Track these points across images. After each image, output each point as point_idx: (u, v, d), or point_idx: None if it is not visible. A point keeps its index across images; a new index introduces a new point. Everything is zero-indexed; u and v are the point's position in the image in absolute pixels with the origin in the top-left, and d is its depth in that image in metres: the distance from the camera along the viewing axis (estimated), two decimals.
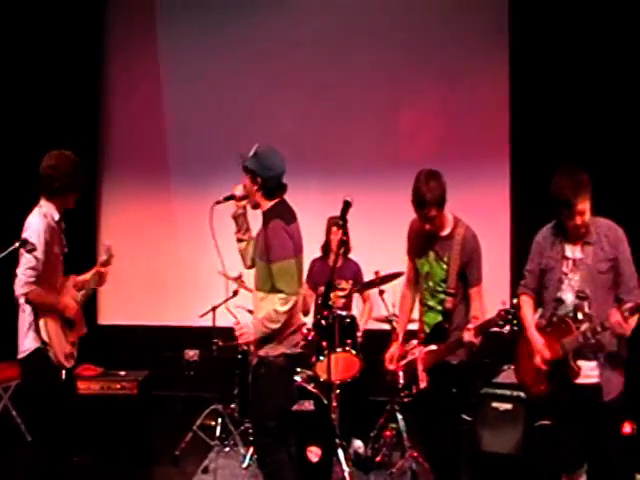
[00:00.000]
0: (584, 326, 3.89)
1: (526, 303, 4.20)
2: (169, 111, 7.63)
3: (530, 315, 4.15)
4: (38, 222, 4.38)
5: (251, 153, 4.25)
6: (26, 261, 4.27)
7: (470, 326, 4.15)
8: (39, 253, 4.28)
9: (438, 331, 4.38)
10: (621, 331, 3.80)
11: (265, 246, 4.16)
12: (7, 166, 6.87)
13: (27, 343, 4.39)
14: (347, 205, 4.24)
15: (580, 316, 3.94)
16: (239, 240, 4.51)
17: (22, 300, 4.34)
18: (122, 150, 7.71)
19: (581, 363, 3.93)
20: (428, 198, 4.14)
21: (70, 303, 4.50)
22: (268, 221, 4.22)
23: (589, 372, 3.94)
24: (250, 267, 4.52)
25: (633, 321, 3.83)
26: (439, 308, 4.37)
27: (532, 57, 6.73)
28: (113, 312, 7.57)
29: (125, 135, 7.69)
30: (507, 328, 4.02)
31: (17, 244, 4.18)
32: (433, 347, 4.37)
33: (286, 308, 4.11)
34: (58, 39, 7.30)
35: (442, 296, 4.35)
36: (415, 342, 4.53)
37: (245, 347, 4.35)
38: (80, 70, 7.42)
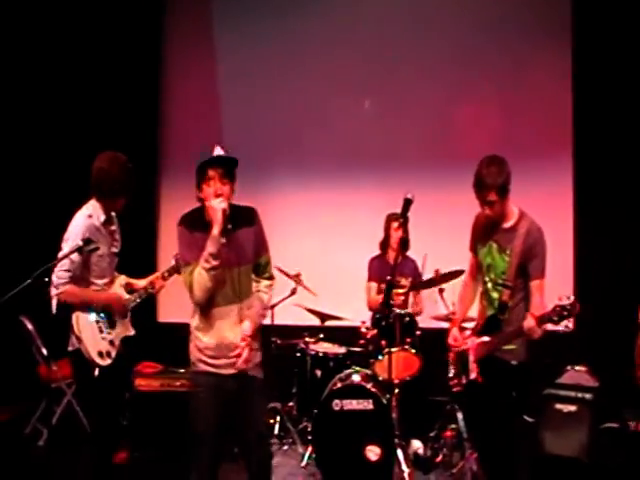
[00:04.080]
0: None
1: None
2: (226, 113, 7.66)
3: None
4: (80, 222, 4.43)
5: (224, 151, 3.91)
6: (62, 263, 4.30)
7: (535, 313, 4.03)
8: (75, 255, 4.31)
9: (492, 323, 4.30)
10: None
11: (260, 240, 3.97)
12: (68, 166, 6.96)
13: (72, 340, 4.46)
14: (408, 202, 4.21)
15: None
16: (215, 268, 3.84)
17: (55, 301, 4.38)
18: (180, 153, 7.74)
19: None
20: (488, 181, 4.07)
21: (115, 295, 4.53)
22: (252, 216, 3.94)
23: None
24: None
25: None
26: (498, 299, 4.27)
27: (595, 53, 6.62)
28: (173, 310, 7.59)
29: (183, 138, 7.70)
30: (563, 324, 3.88)
31: (81, 243, 4.25)
32: (486, 338, 4.31)
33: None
34: (119, 43, 7.43)
35: (501, 288, 4.25)
36: (468, 332, 4.48)
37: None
38: (140, 73, 7.53)
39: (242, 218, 3.91)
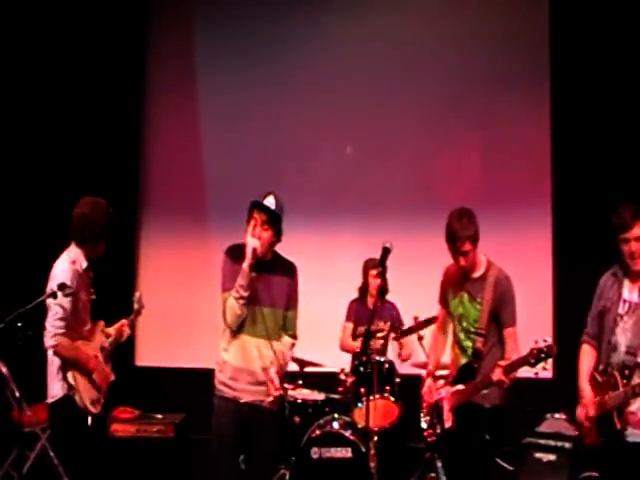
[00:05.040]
0: (632, 382, 3.77)
1: (585, 352, 4.09)
2: (208, 155, 7.68)
3: (586, 365, 4.04)
4: (66, 268, 4.39)
5: (275, 203, 4.21)
6: (54, 312, 4.27)
7: (501, 363, 4.12)
8: (66, 302, 4.28)
9: (467, 371, 4.36)
10: None
11: (293, 293, 4.34)
12: (46, 208, 6.92)
13: (55, 389, 4.39)
14: (386, 251, 4.23)
15: (627, 372, 3.82)
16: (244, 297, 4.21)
17: (51, 352, 4.33)
18: (161, 195, 7.74)
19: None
20: (461, 233, 4.21)
21: (90, 356, 4.46)
22: (292, 268, 4.37)
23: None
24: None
25: None
26: (472, 347, 4.35)
27: (574, 102, 6.74)
28: (150, 354, 7.56)
29: (164, 180, 7.72)
30: (540, 366, 3.91)
31: (56, 288, 4.21)
32: (460, 387, 4.35)
33: None
34: (101, 84, 7.39)
35: (474, 336, 4.33)
36: (442, 382, 4.52)
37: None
38: (121, 115, 7.51)
39: (282, 267, 4.32)
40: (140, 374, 7.26)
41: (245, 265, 4.13)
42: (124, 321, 4.81)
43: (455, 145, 7.17)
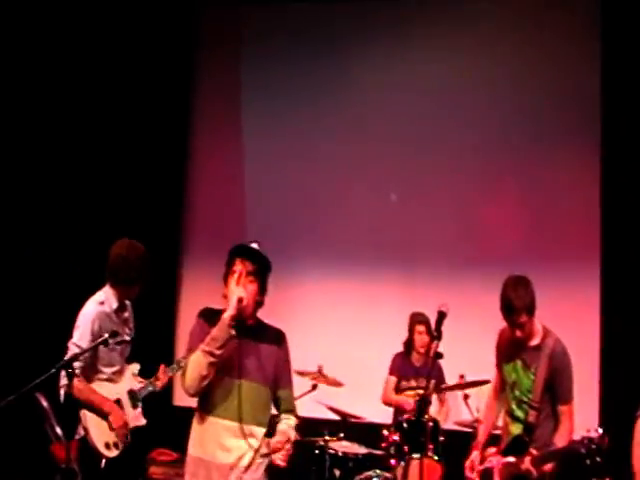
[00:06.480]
0: None
1: None
2: (250, 195, 7.70)
3: None
4: (91, 309, 4.45)
5: (258, 247, 3.65)
6: (72, 352, 4.30)
7: (533, 452, 4.03)
8: (85, 342, 4.29)
9: (518, 443, 4.23)
10: None
11: (285, 368, 3.68)
12: (88, 243, 6.91)
13: (79, 428, 4.43)
14: (442, 316, 4.13)
15: None
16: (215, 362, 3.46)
17: (62, 391, 4.37)
18: (203, 234, 7.78)
19: None
20: (517, 304, 4.08)
21: (104, 399, 4.42)
22: (280, 338, 3.66)
23: None
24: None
25: None
26: (524, 420, 4.24)
27: (624, 156, 6.57)
28: None
29: (206, 218, 7.77)
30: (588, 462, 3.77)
31: (106, 335, 4.22)
32: (511, 459, 4.22)
33: None
34: (146, 124, 7.47)
35: (527, 408, 4.22)
36: (494, 450, 4.39)
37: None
38: (166, 155, 7.60)
39: (269, 335, 3.61)
40: (179, 414, 7.22)
41: (226, 315, 3.41)
42: (163, 368, 4.74)
43: (500, 197, 7.06)
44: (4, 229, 6.90)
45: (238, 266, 3.51)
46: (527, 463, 4.02)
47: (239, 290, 3.44)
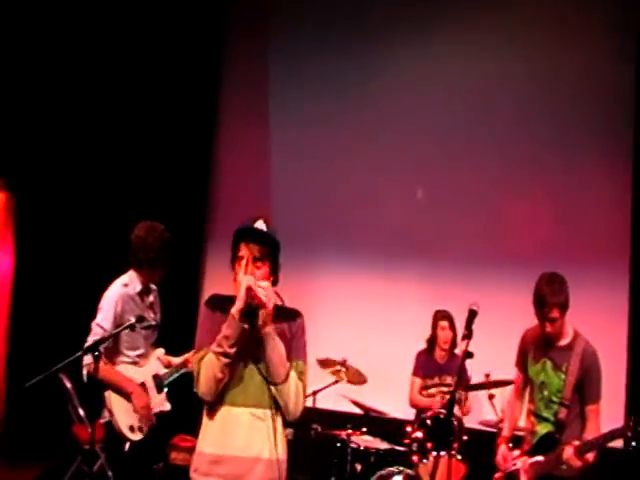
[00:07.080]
0: None
1: None
2: (275, 185, 7.73)
3: None
4: (115, 291, 4.48)
5: (265, 227, 3.27)
6: (94, 333, 4.34)
7: (576, 442, 4.00)
8: (108, 324, 4.30)
9: (547, 441, 4.22)
10: None
11: (300, 343, 3.29)
12: (114, 230, 6.99)
13: (104, 412, 4.48)
14: (473, 314, 4.13)
15: None
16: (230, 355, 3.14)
17: (85, 371, 4.38)
18: (227, 222, 7.70)
19: None
20: (550, 298, 4.11)
21: (128, 379, 4.45)
22: (295, 315, 3.33)
23: None
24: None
25: None
26: (552, 419, 4.24)
27: None
28: None
29: (231, 207, 7.76)
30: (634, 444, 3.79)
31: (133, 320, 4.24)
32: (539, 458, 4.20)
33: None
34: (175, 111, 7.52)
35: (557, 407, 4.22)
36: (518, 452, 4.37)
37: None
38: (193, 142, 7.66)
39: (284, 315, 3.28)
40: (201, 402, 7.25)
41: (234, 310, 3.09)
42: (188, 356, 4.72)
43: (526, 195, 6.99)
44: (39, 215, 7.00)
45: (243, 251, 3.18)
46: (569, 452, 3.98)
47: (247, 279, 3.11)
